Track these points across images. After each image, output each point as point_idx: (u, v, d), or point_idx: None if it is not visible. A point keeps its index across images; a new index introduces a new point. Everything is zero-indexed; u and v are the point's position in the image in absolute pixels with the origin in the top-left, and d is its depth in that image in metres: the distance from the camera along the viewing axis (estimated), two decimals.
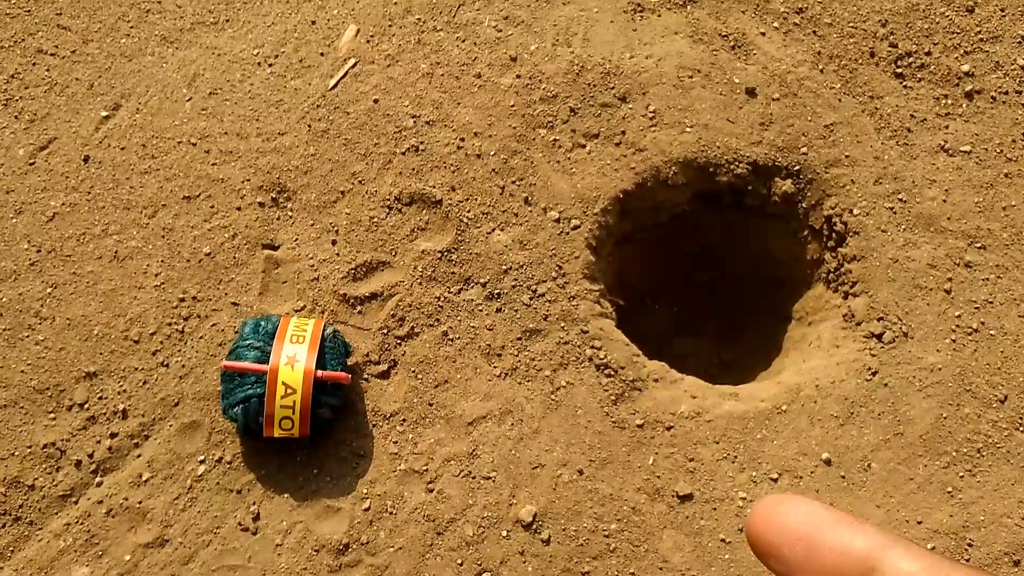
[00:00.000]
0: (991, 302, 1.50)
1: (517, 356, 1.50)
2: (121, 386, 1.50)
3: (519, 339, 1.51)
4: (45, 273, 1.59)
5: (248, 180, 1.64)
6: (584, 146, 1.63)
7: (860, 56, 1.71)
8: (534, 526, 1.38)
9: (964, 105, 1.66)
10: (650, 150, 1.61)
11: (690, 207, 1.65)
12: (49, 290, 1.58)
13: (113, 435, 1.47)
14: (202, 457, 1.45)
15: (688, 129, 1.63)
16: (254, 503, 1.42)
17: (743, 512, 1.38)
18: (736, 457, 1.42)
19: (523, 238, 1.57)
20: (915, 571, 0.28)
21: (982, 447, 1.41)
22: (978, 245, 1.54)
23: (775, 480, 1.40)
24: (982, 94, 1.67)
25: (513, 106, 1.67)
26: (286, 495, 1.42)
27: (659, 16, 1.74)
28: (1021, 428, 1.42)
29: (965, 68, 1.69)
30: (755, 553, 0.32)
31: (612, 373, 1.47)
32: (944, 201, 1.58)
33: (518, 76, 1.69)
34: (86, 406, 1.49)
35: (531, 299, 1.53)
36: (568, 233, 1.57)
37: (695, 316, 1.79)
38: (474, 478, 1.42)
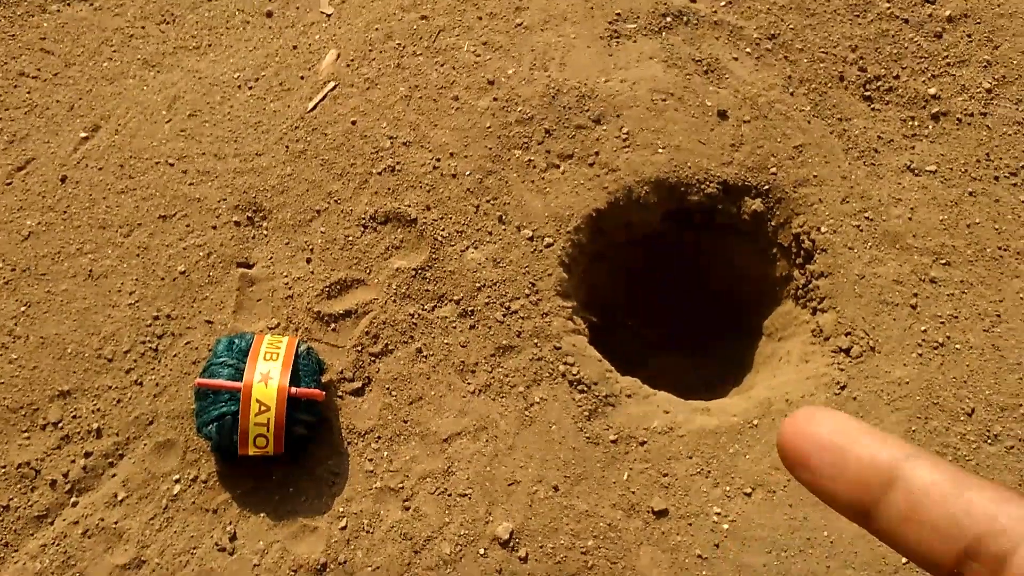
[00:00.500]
0: (956, 317, 1.52)
1: (491, 372, 1.51)
2: (95, 405, 1.50)
3: (493, 356, 1.52)
4: (19, 291, 1.59)
5: (224, 200, 1.65)
6: (558, 166, 1.65)
7: (830, 80, 1.74)
8: (511, 543, 1.39)
9: (930, 127, 1.70)
10: (623, 170, 1.63)
11: (661, 226, 1.67)
12: (23, 308, 1.58)
13: (88, 454, 1.47)
14: (177, 476, 1.45)
15: (660, 150, 1.65)
16: (230, 523, 1.41)
17: (718, 527, 1.39)
18: (710, 472, 1.43)
19: (497, 256, 1.58)
20: (936, 480, 0.29)
21: (951, 460, 1.43)
22: (943, 262, 1.57)
23: (748, 495, 1.41)
24: (948, 116, 1.70)
25: (489, 127, 1.69)
26: (262, 515, 1.42)
27: (635, 42, 1.77)
28: (989, 440, 1.44)
29: (932, 91, 1.72)
30: (785, 464, 0.32)
31: (585, 389, 1.48)
32: (910, 219, 1.60)
33: (495, 99, 1.72)
34: (60, 425, 1.49)
35: (504, 316, 1.54)
36: (541, 251, 1.58)
37: (667, 333, 1.80)
38: (450, 495, 1.42)
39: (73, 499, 1.45)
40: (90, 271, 1.60)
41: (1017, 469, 1.42)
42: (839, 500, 0.31)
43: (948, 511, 0.28)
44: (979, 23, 1.78)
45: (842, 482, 0.30)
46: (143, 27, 1.90)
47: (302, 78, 1.79)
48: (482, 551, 1.39)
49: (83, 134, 1.75)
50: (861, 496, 0.30)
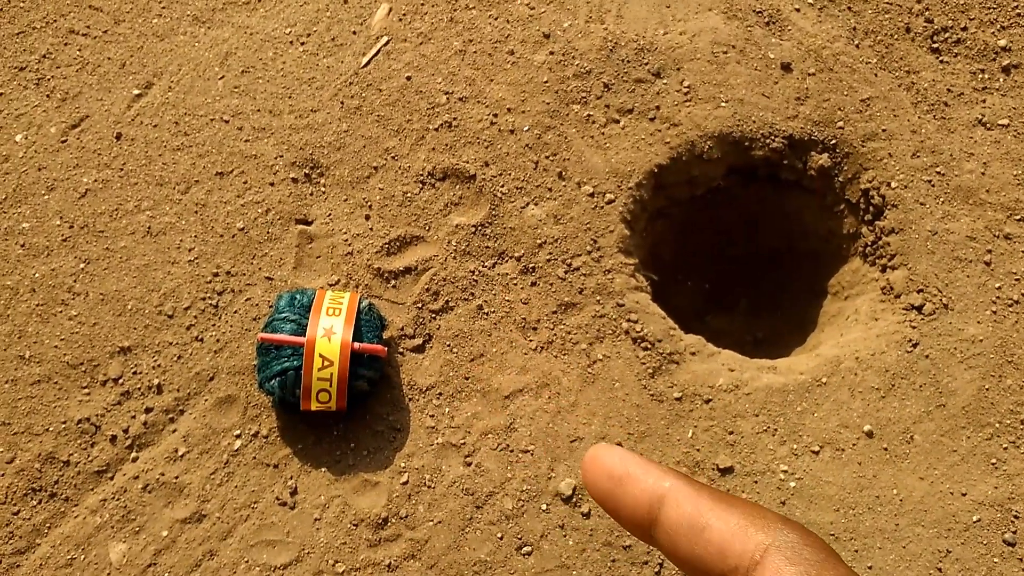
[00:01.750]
0: None
1: (553, 330, 1.49)
2: (155, 361, 1.50)
3: (554, 312, 1.50)
4: (78, 249, 1.59)
5: (281, 156, 1.64)
6: (618, 121, 1.62)
7: (896, 31, 1.69)
8: (573, 499, 1.38)
9: (1001, 79, 1.65)
10: (685, 125, 1.60)
11: (725, 182, 1.64)
12: (82, 266, 1.58)
13: (148, 410, 1.47)
14: (238, 432, 1.45)
15: (723, 104, 1.61)
16: (291, 477, 1.41)
17: (785, 485, 1.37)
18: (776, 430, 1.41)
19: (557, 212, 1.56)
20: (683, 516, 0.33)
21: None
22: (1017, 217, 1.53)
23: (816, 452, 1.39)
24: (1019, 68, 1.66)
25: (546, 82, 1.66)
26: (323, 469, 1.41)
27: None
28: None
29: (1002, 43, 1.67)
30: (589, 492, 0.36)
31: (649, 346, 1.46)
32: (982, 174, 1.56)
33: (551, 53, 1.69)
34: (120, 381, 1.49)
35: (566, 273, 1.52)
36: (603, 207, 1.56)
37: (728, 292, 1.78)
38: (512, 451, 1.41)
39: (133, 454, 1.45)
40: (148, 228, 1.60)
41: None
42: (624, 523, 0.35)
43: (694, 551, 0.32)
44: None
45: (622, 509, 0.34)
46: None
47: (354, 33, 1.77)
48: (544, 507, 1.38)
49: (136, 91, 1.73)
50: (639, 521, 0.34)
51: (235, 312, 1.52)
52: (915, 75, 1.65)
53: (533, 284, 1.52)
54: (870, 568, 1.34)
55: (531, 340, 1.48)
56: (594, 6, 1.73)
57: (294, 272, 1.55)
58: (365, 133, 1.65)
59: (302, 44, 1.76)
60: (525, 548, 1.36)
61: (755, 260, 1.77)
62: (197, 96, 1.72)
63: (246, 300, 1.53)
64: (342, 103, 1.68)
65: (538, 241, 1.54)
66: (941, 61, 1.67)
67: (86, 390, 1.49)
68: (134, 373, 1.49)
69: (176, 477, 1.43)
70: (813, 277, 1.69)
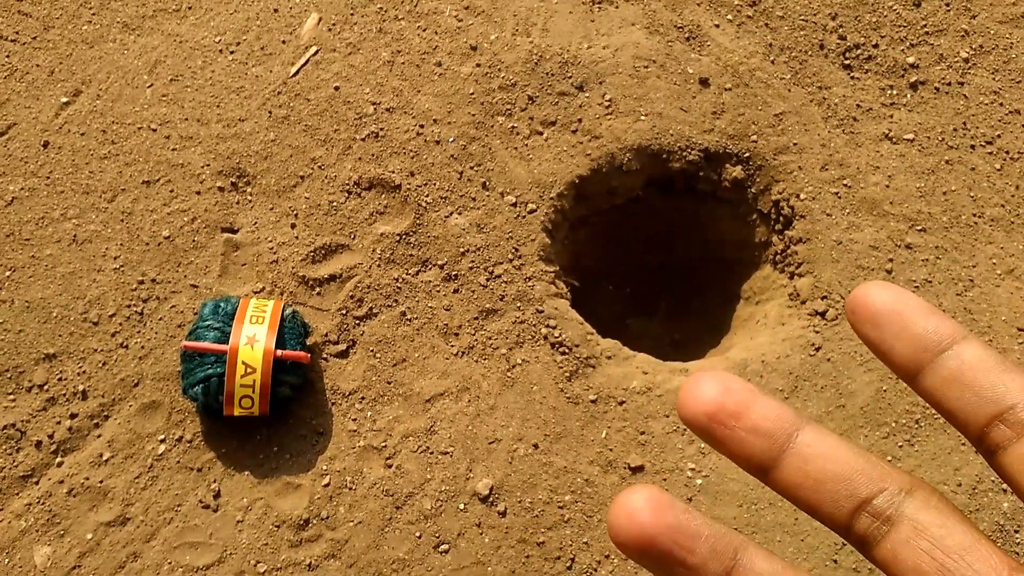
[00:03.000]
0: (930, 282, 1.56)
1: (474, 335, 1.53)
2: (81, 367, 1.52)
3: (476, 319, 1.54)
4: (3, 256, 1.60)
5: (208, 165, 1.66)
6: (541, 133, 1.67)
7: (810, 48, 1.76)
8: (490, 499, 1.42)
9: (908, 95, 1.72)
10: (605, 137, 1.65)
11: (643, 192, 1.69)
12: (8, 273, 1.58)
13: (73, 416, 1.48)
14: (162, 436, 1.47)
15: (643, 117, 1.67)
16: (215, 481, 1.43)
17: (692, 482, 1.42)
18: (685, 430, 1.46)
19: (481, 221, 1.60)
20: (984, 356, 0.33)
21: (920, 418, 1.46)
22: (919, 228, 1.60)
23: None
24: (926, 85, 1.73)
25: (472, 94, 1.70)
26: (246, 473, 1.44)
27: (616, 7, 1.78)
28: None
29: (910, 60, 1.74)
30: (852, 319, 0.35)
31: (566, 351, 1.50)
32: (887, 186, 1.63)
33: (478, 65, 1.73)
34: (46, 387, 1.50)
35: (488, 280, 1.56)
36: (525, 217, 1.60)
37: (648, 297, 1.83)
38: (432, 453, 1.45)
39: (58, 459, 1.46)
40: (74, 236, 1.61)
41: None
42: (895, 358, 0.34)
43: (991, 380, 0.32)
44: None
45: (901, 344, 0.34)
46: None
47: (284, 42, 1.79)
48: (462, 506, 1.42)
49: (64, 99, 1.75)
50: (915, 358, 0.34)
51: (160, 319, 1.54)
52: (827, 91, 1.71)
53: (455, 291, 1.56)
54: None
55: (452, 346, 1.52)
56: (521, 19, 1.78)
57: (219, 280, 1.57)
58: (292, 143, 1.68)
59: (231, 53, 1.79)
60: (443, 546, 1.39)
61: (673, 266, 1.82)
62: (125, 104, 1.73)
63: (171, 307, 1.55)
64: (270, 112, 1.71)
65: (461, 250, 1.58)
66: (852, 77, 1.73)
67: (11, 396, 1.50)
68: (59, 379, 1.51)
69: (101, 481, 1.44)
70: (727, 283, 1.74)
